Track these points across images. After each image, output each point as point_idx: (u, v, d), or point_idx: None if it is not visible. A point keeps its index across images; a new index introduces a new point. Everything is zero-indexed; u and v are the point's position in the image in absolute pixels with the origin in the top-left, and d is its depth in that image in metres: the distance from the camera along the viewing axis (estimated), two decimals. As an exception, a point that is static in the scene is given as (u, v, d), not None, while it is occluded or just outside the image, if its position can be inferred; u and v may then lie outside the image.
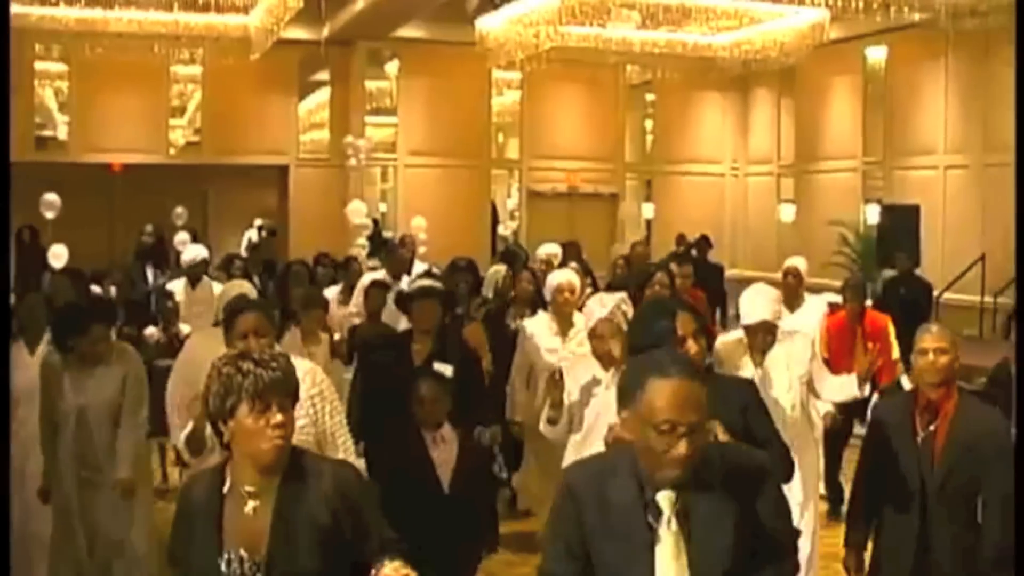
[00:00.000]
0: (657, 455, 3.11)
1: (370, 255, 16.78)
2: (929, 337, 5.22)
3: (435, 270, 11.07)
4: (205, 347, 5.76)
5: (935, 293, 16.34)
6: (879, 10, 15.89)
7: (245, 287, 6.87)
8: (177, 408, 6.08)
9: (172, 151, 22.07)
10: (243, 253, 23.57)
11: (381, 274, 11.15)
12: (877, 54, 20.56)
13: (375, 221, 20.29)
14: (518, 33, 17.66)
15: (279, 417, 3.29)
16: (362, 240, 17.90)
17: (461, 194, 22.16)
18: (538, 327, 8.64)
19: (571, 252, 13.30)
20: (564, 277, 8.72)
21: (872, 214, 19.52)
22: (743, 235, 24.15)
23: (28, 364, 7.21)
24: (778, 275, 9.98)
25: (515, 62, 19.73)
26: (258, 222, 24.48)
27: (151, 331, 10.34)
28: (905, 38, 18.89)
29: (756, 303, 6.63)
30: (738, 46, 19.49)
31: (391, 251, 12.97)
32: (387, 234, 21.00)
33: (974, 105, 18.37)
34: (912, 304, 13.03)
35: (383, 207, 23.43)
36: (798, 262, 10.05)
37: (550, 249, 12.55)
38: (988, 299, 16.65)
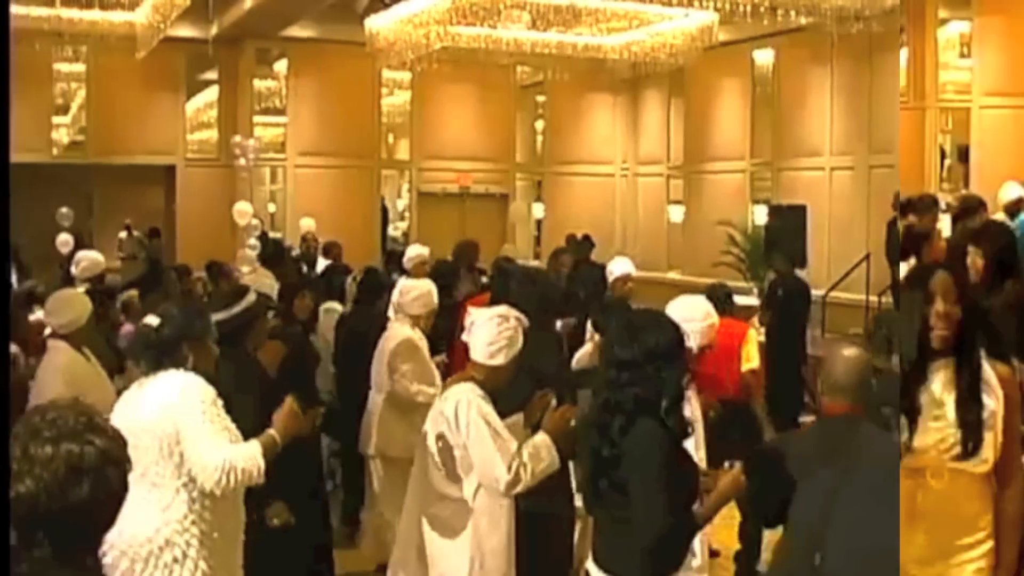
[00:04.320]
0: None
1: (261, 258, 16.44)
2: None
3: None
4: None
5: (822, 292, 16.63)
6: (766, 14, 16.07)
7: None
8: None
9: (55, 151, 21.60)
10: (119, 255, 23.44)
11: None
12: (765, 57, 20.78)
13: (260, 222, 20.01)
14: (408, 33, 17.54)
15: None
16: (253, 242, 17.66)
17: (351, 195, 22.00)
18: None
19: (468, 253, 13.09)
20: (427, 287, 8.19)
21: (760, 214, 19.73)
22: (633, 235, 24.25)
23: None
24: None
25: (405, 62, 19.66)
26: (126, 222, 24.15)
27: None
28: (792, 41, 19.12)
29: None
30: (628, 48, 19.59)
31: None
32: (275, 235, 20.79)
33: (859, 107, 18.63)
34: (787, 306, 13.09)
35: (272, 208, 23.20)
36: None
37: (421, 250, 11.66)
38: (873, 298, 16.87)
